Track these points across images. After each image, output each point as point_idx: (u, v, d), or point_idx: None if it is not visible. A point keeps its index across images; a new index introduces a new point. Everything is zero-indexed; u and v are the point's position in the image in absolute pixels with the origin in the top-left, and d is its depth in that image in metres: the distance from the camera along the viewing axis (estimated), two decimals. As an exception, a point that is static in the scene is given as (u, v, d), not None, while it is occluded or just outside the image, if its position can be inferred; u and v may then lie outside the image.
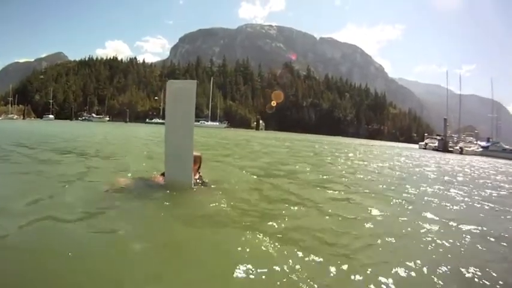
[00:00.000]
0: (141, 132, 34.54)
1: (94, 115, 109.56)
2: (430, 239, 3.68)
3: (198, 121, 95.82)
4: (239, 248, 2.90)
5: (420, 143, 74.55)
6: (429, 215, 4.70)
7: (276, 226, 3.72)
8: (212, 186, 5.46)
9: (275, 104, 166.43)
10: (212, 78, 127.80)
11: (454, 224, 4.36)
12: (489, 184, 10.09)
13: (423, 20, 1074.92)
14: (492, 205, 6.08)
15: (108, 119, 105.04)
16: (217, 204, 4.44)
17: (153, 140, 18.83)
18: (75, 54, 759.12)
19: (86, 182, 5.46)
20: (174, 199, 4.47)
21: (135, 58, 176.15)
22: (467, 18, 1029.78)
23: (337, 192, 6.14)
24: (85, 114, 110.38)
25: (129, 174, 6.18)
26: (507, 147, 53.12)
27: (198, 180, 5.28)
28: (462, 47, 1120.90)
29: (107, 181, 5.28)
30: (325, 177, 8.23)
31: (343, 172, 9.72)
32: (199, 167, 5.38)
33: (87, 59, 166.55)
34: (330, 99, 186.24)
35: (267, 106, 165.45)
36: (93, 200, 4.26)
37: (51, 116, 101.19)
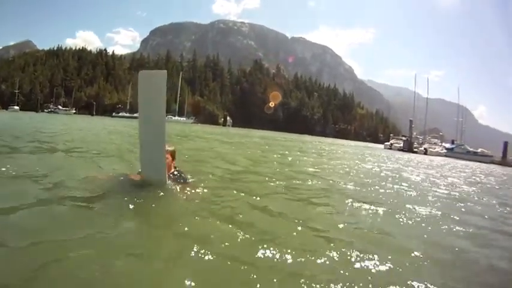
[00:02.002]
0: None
1: (60, 107, 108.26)
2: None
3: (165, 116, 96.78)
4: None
5: (386, 143, 75.80)
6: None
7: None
8: (191, 179, 5.46)
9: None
10: (181, 73, 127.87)
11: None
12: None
13: (395, 26, 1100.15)
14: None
15: (74, 111, 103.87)
16: (189, 200, 4.59)
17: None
18: (44, 43, 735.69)
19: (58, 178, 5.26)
20: (145, 196, 4.39)
21: (105, 50, 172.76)
22: (438, 27, 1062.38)
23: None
24: (51, 106, 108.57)
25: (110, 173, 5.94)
26: (471, 149, 56.35)
27: (175, 174, 5.18)
28: (432, 54, 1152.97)
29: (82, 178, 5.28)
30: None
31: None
32: (173, 161, 5.28)
33: (55, 48, 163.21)
34: (298, 98, 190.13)
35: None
36: (66, 196, 4.22)
37: (16, 107, 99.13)
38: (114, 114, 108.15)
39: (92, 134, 19.64)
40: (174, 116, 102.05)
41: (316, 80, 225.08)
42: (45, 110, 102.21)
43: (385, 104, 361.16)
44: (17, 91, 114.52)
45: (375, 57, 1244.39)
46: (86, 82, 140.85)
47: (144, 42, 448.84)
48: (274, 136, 53.47)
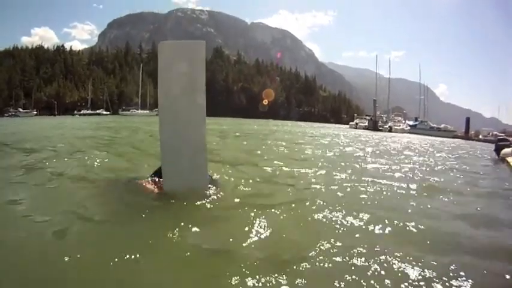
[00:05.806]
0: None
1: (21, 110, 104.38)
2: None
3: (128, 110, 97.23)
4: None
5: (351, 122, 77.30)
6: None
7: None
8: (223, 185, 4.45)
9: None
10: (142, 65, 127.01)
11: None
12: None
13: (355, 8, 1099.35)
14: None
15: (35, 113, 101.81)
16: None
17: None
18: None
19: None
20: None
21: (63, 46, 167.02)
22: (398, 8, 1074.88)
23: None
24: (11, 109, 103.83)
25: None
26: (434, 125, 57.48)
27: None
28: (392, 35, 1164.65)
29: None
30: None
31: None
32: None
33: (11, 48, 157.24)
34: (260, 83, 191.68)
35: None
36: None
37: None
38: (75, 112, 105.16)
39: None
40: (137, 109, 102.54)
41: (277, 64, 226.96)
42: (5, 115, 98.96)
43: (347, 85, 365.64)
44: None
45: (335, 39, 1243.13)
46: (45, 81, 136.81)
47: (102, 35, 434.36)
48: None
